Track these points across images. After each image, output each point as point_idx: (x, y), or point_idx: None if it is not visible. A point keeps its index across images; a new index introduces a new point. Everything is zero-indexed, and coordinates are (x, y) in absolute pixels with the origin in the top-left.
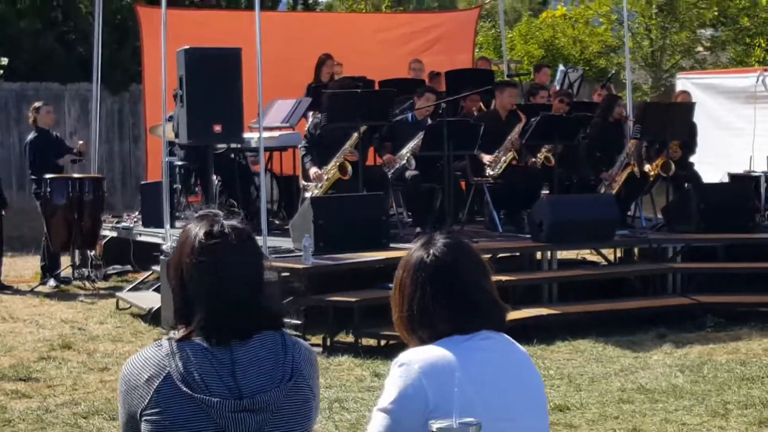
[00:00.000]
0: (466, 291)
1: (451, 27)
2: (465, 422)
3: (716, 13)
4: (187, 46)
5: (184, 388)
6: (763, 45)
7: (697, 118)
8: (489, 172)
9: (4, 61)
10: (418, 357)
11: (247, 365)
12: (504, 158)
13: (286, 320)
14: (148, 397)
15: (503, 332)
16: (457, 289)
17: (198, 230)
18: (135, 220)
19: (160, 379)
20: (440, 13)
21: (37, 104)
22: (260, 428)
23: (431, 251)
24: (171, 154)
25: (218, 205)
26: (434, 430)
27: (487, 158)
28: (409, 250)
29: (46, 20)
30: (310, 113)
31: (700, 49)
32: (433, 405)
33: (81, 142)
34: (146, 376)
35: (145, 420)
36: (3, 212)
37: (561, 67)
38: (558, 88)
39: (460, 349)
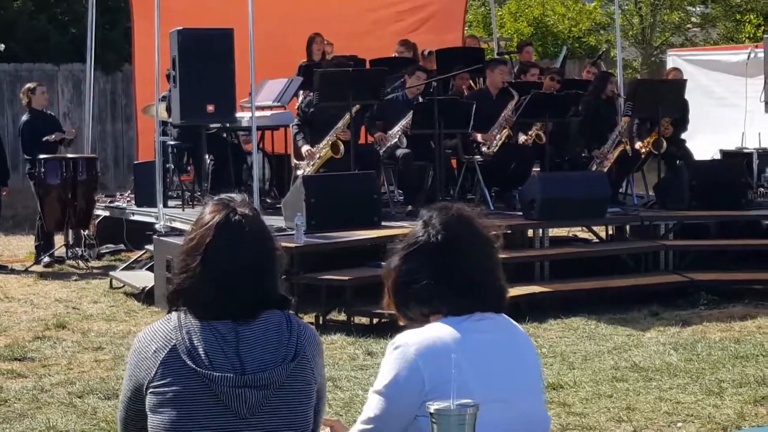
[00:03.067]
0: (465, 271)
1: (442, 6)
2: (462, 404)
3: None
4: (180, 27)
5: (189, 362)
6: (754, 21)
7: (689, 94)
8: (484, 149)
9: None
10: (414, 339)
11: (252, 343)
12: (499, 136)
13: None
14: (155, 369)
15: (503, 313)
16: (456, 269)
17: (215, 215)
18: (128, 199)
19: (165, 351)
20: None
21: (30, 85)
22: (261, 405)
23: (429, 229)
24: (164, 133)
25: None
26: (432, 412)
27: (481, 136)
28: (407, 229)
29: (39, 2)
30: (301, 92)
31: (690, 26)
32: (430, 387)
33: (72, 130)
34: (154, 348)
35: (150, 392)
36: (4, 191)
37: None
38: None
39: (456, 330)
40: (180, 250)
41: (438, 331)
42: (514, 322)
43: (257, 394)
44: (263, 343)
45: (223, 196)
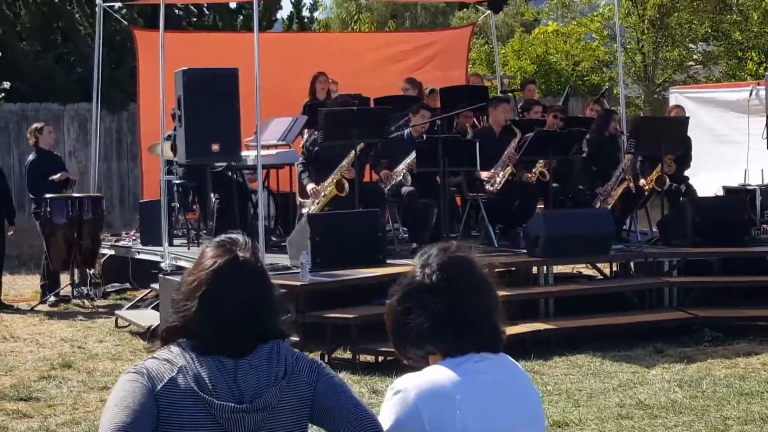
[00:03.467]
0: (462, 311)
1: (445, 45)
2: None
3: (708, 29)
4: (185, 67)
5: (194, 386)
6: (755, 58)
7: (691, 131)
8: (488, 187)
9: (6, 85)
10: (414, 383)
11: (247, 370)
12: (502, 173)
13: (290, 333)
14: (162, 384)
15: (501, 352)
16: (453, 310)
17: (216, 260)
18: (133, 238)
19: (174, 372)
20: (434, 32)
21: (38, 125)
22: (258, 426)
23: (426, 270)
24: (169, 172)
25: (214, 235)
26: None
27: (484, 174)
28: (411, 267)
29: (46, 42)
30: (306, 131)
31: (692, 63)
32: (430, 430)
33: (75, 171)
34: (162, 368)
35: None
36: (10, 230)
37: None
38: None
39: (456, 373)
40: (179, 291)
41: (437, 374)
42: (513, 361)
43: (254, 417)
44: (256, 367)
45: (224, 237)
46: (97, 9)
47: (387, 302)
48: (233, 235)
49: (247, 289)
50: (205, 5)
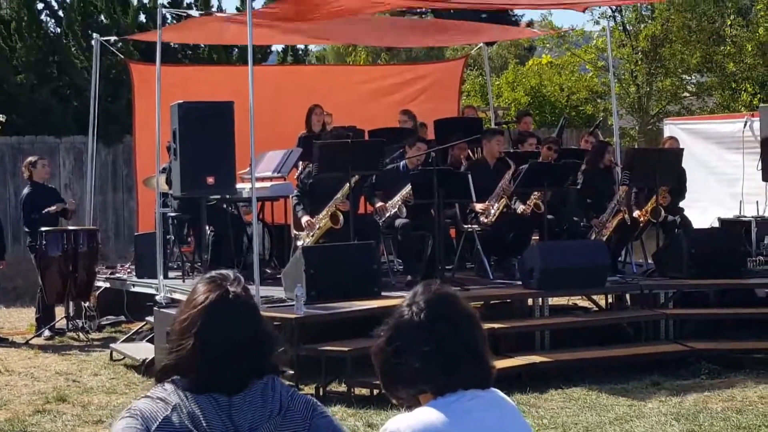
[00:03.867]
0: (450, 349)
1: (438, 77)
2: None
3: (700, 59)
4: (180, 101)
5: (189, 424)
6: (750, 90)
7: (686, 163)
8: (483, 219)
9: (2, 118)
10: (408, 423)
11: (242, 406)
12: (497, 206)
13: (285, 368)
14: (156, 424)
15: (491, 387)
16: (441, 348)
17: (207, 295)
18: (128, 271)
19: (168, 411)
20: (426, 64)
21: (32, 158)
22: None
23: (413, 308)
24: (164, 205)
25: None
26: None
27: (479, 206)
28: (398, 306)
29: (42, 75)
30: (301, 163)
31: (686, 94)
32: None
33: (72, 201)
34: (156, 407)
35: None
36: (1, 264)
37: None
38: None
39: (448, 413)
40: (172, 329)
41: (428, 414)
42: (504, 396)
43: None
44: (251, 403)
45: (214, 273)
46: (93, 43)
47: (375, 343)
48: (224, 271)
49: (239, 325)
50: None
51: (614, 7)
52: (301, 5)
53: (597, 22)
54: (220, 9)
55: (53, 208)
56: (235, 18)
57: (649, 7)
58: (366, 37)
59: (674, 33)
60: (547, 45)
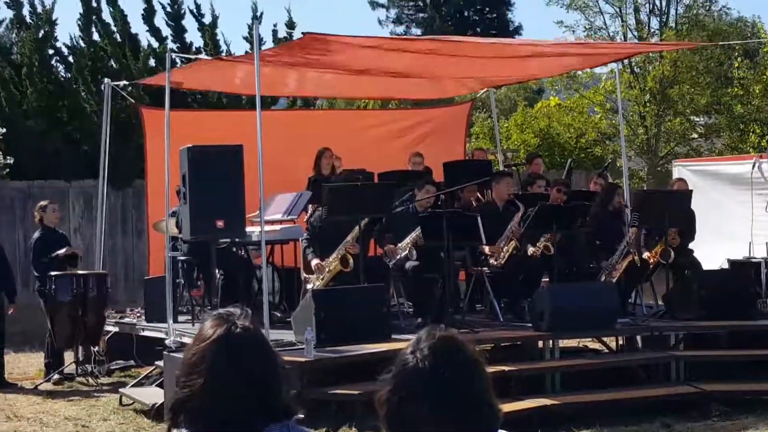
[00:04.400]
0: (457, 394)
1: (445, 120)
2: None
3: (710, 100)
4: (190, 145)
5: None
6: (758, 131)
7: (695, 204)
8: (492, 262)
9: (10, 160)
10: None
11: None
12: (506, 248)
13: (297, 407)
14: None
15: (498, 430)
16: (447, 394)
17: (215, 330)
18: (138, 315)
19: None
20: (434, 109)
21: (43, 203)
22: None
23: (418, 355)
24: (174, 248)
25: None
26: None
27: (488, 249)
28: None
29: (52, 120)
30: (310, 206)
31: (695, 135)
32: None
33: (81, 247)
34: None
35: None
36: (11, 308)
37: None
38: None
39: None
40: (181, 366)
41: None
42: None
43: None
44: None
45: (221, 310)
46: (103, 87)
47: (379, 392)
48: (231, 308)
49: (248, 358)
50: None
51: None
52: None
53: (605, 64)
54: (229, 54)
55: (62, 251)
56: (243, 59)
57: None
58: (373, 89)
59: (682, 74)
60: (556, 87)
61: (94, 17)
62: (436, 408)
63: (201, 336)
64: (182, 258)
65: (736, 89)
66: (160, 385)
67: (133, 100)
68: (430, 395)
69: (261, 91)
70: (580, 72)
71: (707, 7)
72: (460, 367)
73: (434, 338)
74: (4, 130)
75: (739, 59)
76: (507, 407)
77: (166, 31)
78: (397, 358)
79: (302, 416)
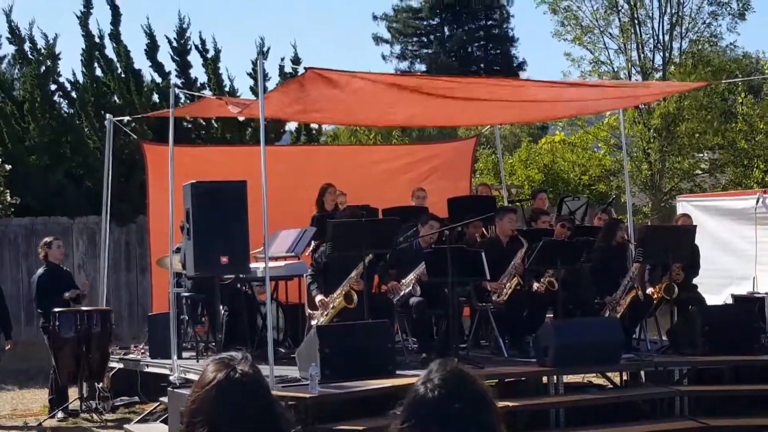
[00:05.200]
0: (466, 426)
1: (450, 156)
2: None
3: (718, 140)
4: (193, 180)
5: None
6: (762, 166)
7: (699, 240)
8: (495, 298)
9: (15, 200)
10: None
11: None
12: (509, 284)
13: None
14: None
15: None
16: (456, 427)
17: (216, 374)
18: (142, 351)
19: None
20: (439, 144)
21: (47, 239)
22: None
23: (429, 385)
24: (178, 285)
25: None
26: None
27: (491, 285)
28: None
29: (55, 156)
30: (313, 242)
31: (698, 171)
32: None
33: (85, 282)
34: None
35: None
36: (8, 344)
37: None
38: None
39: None
40: (184, 411)
41: None
42: None
43: None
44: None
45: (223, 354)
46: (106, 123)
47: (392, 423)
48: (233, 352)
49: (249, 402)
50: (214, 118)
51: None
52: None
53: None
54: (232, 88)
55: (68, 294)
56: (244, 102)
57: None
58: (380, 117)
59: (687, 111)
60: (560, 123)
61: (96, 53)
62: None
63: (201, 381)
64: (186, 294)
65: (740, 124)
66: (165, 421)
67: (135, 136)
68: (442, 426)
69: (265, 114)
70: None
71: (713, 43)
72: (471, 399)
73: (446, 370)
74: (10, 167)
75: (742, 94)
76: None
77: (169, 66)
78: (409, 390)
79: None
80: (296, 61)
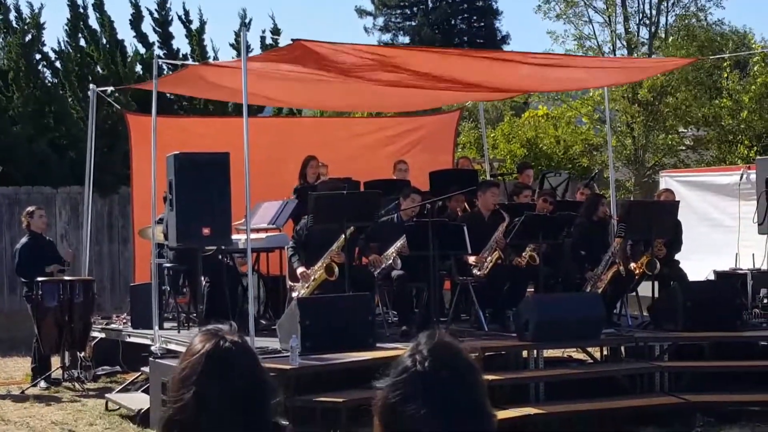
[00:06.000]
0: (453, 398)
1: (433, 129)
2: None
3: (705, 112)
4: (176, 152)
5: None
6: (746, 142)
7: (682, 215)
8: (475, 272)
9: None
10: None
11: None
12: (489, 258)
13: (284, 422)
14: None
15: None
16: (444, 397)
17: (204, 344)
18: (124, 321)
19: None
20: (422, 117)
21: (30, 209)
22: None
23: (416, 356)
24: (160, 255)
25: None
26: None
27: (472, 259)
28: (399, 355)
29: (38, 126)
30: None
31: (683, 147)
32: None
33: (69, 250)
34: None
35: None
36: None
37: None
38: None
39: None
40: (171, 380)
41: None
42: None
43: None
44: None
45: (210, 326)
46: (90, 93)
47: (377, 392)
48: (218, 324)
49: (237, 372)
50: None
51: None
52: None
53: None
54: (216, 60)
55: (51, 268)
56: (229, 64)
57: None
58: (363, 102)
59: (673, 86)
60: (542, 98)
61: (81, 23)
62: (435, 410)
63: (190, 351)
64: (168, 265)
65: (725, 100)
66: (146, 391)
67: (118, 107)
68: (429, 397)
69: (248, 100)
70: None
71: (699, 18)
72: (459, 371)
73: (434, 341)
74: None
75: (728, 70)
76: None
77: (153, 37)
78: (396, 362)
79: (286, 424)
80: (276, 31)
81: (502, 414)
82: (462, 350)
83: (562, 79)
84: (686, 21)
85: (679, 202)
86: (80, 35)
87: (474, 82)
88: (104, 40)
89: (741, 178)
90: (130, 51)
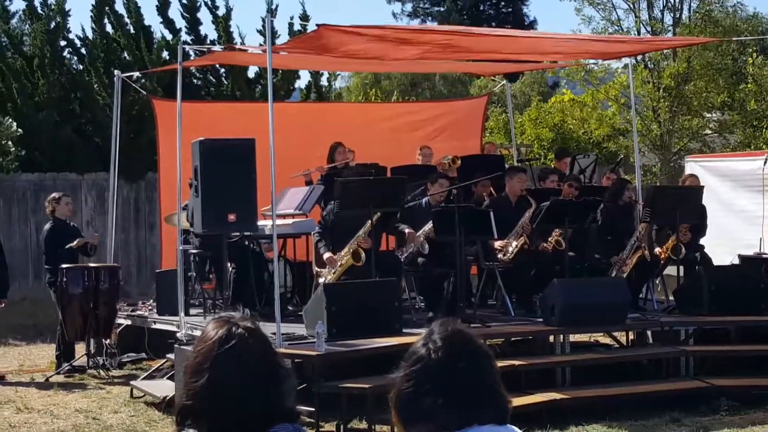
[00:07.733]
0: (467, 385)
1: (461, 114)
2: None
3: (725, 99)
4: (202, 138)
5: None
6: None
7: (707, 200)
8: (501, 257)
9: (22, 152)
10: None
11: None
12: (515, 243)
13: (300, 408)
14: None
15: (507, 423)
16: (458, 384)
17: (217, 331)
18: (150, 308)
19: None
20: (449, 102)
21: (56, 195)
22: None
23: (430, 345)
24: (186, 242)
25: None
26: None
27: (498, 244)
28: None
29: (64, 112)
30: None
31: (708, 131)
32: None
33: (95, 234)
34: None
35: None
36: (2, 303)
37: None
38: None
39: None
40: (186, 368)
41: None
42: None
43: None
44: None
45: (222, 314)
46: (115, 79)
47: (392, 379)
48: (231, 312)
49: (251, 359)
50: (223, 73)
51: None
52: (322, 43)
53: (619, 59)
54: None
55: (75, 242)
56: (255, 50)
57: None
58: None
59: (696, 71)
60: (572, 80)
61: (107, 8)
62: (449, 398)
63: (203, 338)
64: (194, 251)
65: (750, 85)
66: (171, 378)
67: (144, 92)
68: (443, 386)
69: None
70: (595, 67)
71: (721, 3)
72: (472, 359)
73: (447, 330)
74: (21, 132)
75: (753, 55)
76: (517, 401)
77: (180, 23)
78: (410, 350)
79: (312, 410)
80: (305, 17)
81: (527, 399)
82: (474, 338)
83: (581, 51)
84: (708, 6)
85: (703, 187)
86: (106, 21)
87: (497, 52)
88: (130, 26)
89: (765, 163)
90: (156, 37)
